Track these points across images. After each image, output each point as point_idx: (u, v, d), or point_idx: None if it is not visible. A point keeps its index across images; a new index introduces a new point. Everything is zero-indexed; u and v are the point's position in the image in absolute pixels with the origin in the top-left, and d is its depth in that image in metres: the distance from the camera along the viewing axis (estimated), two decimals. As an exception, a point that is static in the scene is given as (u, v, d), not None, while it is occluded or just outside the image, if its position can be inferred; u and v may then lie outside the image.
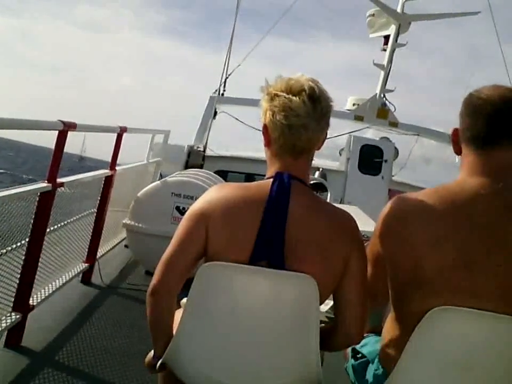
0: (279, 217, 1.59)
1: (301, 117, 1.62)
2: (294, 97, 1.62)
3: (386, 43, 10.69)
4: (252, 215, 1.60)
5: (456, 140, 1.66)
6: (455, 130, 1.66)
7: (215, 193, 1.67)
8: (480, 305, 1.49)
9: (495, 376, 1.57)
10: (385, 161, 9.78)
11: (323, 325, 1.77)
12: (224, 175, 8.16)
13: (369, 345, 1.86)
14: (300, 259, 1.59)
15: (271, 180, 1.66)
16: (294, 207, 1.61)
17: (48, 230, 3.32)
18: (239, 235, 1.60)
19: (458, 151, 1.66)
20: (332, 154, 10.94)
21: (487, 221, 1.51)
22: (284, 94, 1.63)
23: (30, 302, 3.15)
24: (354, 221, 1.72)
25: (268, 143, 1.71)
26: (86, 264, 4.30)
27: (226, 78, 9.76)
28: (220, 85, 9.74)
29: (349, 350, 1.92)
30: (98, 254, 4.56)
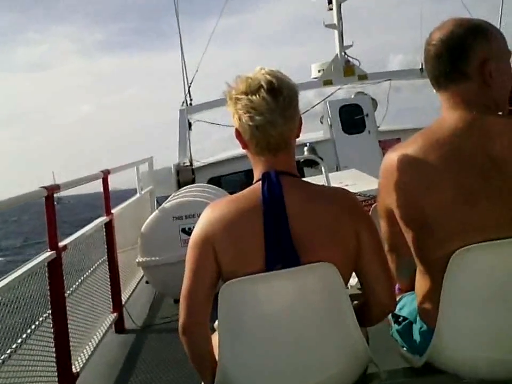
0: (280, 217, 1.58)
1: (264, 115, 1.59)
2: (253, 97, 1.60)
3: (330, 2, 10.62)
4: (253, 223, 1.59)
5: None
6: None
7: (210, 214, 1.65)
8: (495, 233, 1.52)
9: None
10: (367, 115, 9.74)
11: (356, 302, 1.77)
12: (218, 181, 8.15)
13: (407, 305, 1.86)
14: (313, 250, 1.58)
15: (259, 183, 1.64)
16: (291, 201, 1.60)
17: (66, 294, 3.31)
18: (247, 247, 1.59)
19: None
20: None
21: (473, 151, 1.55)
22: (244, 96, 1.62)
23: (74, 370, 3.15)
24: (352, 195, 1.71)
25: (244, 146, 1.70)
26: (115, 314, 4.30)
27: (189, 86, 9.72)
28: (185, 95, 9.70)
29: (389, 316, 1.92)
30: (123, 300, 4.56)
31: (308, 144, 9.20)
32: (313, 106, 10.50)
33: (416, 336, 1.76)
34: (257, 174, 1.69)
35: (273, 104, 1.60)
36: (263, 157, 1.67)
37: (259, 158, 1.68)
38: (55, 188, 3.23)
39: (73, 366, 3.15)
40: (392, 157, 1.66)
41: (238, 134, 1.68)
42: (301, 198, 1.63)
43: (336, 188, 1.73)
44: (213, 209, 1.66)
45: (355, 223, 1.64)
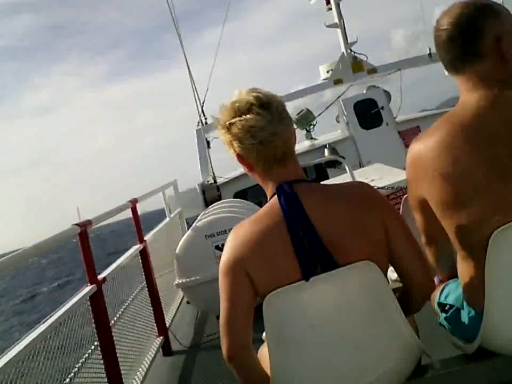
0: (304, 225, 1.58)
1: (265, 128, 1.61)
2: (247, 116, 1.61)
3: (328, 2, 10.61)
4: (280, 239, 1.59)
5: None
6: None
7: (236, 238, 1.65)
8: None
9: None
10: (382, 108, 9.69)
11: (398, 285, 1.77)
12: (243, 194, 8.18)
13: (452, 292, 1.85)
14: (345, 250, 1.58)
15: (275, 197, 1.65)
16: (310, 207, 1.61)
17: (111, 323, 3.35)
18: (280, 264, 1.59)
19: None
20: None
21: (501, 127, 1.56)
22: (237, 119, 1.62)
23: (128, 399, 3.19)
24: (371, 186, 1.73)
25: (250, 169, 1.70)
26: (161, 338, 4.33)
27: (202, 106, 9.81)
28: (200, 115, 9.79)
29: (436, 305, 1.91)
30: (167, 322, 4.60)
31: (327, 145, 9.20)
32: (327, 107, 10.51)
33: (465, 322, 1.75)
34: (270, 190, 1.70)
35: (270, 116, 1.62)
36: (271, 171, 1.67)
37: (267, 174, 1.68)
38: (87, 223, 3.28)
39: (126, 396, 3.19)
40: (418, 147, 1.66)
41: (241, 159, 1.69)
42: (320, 201, 1.64)
43: (351, 183, 1.74)
44: (238, 233, 1.66)
45: (378, 213, 1.64)
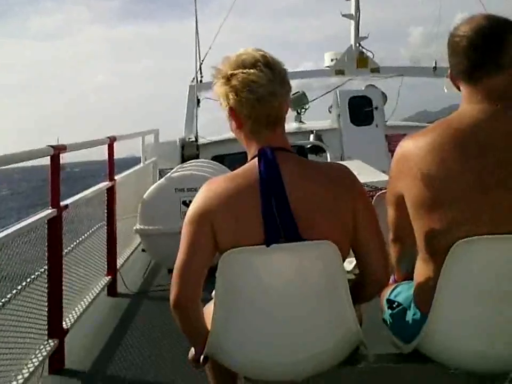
0: (278, 193, 1.58)
1: (266, 86, 1.60)
2: (251, 70, 1.60)
3: (350, -9, 10.50)
4: (251, 200, 1.59)
5: (452, 80, 1.74)
6: (450, 72, 1.73)
7: (208, 191, 1.65)
8: (502, 228, 1.53)
9: None
10: (376, 108, 9.70)
11: (352, 276, 1.79)
12: (221, 159, 8.14)
13: (403, 292, 1.88)
14: (312, 226, 1.59)
15: (256, 159, 1.64)
16: (288, 178, 1.61)
17: (64, 252, 3.34)
18: (246, 224, 1.59)
19: (458, 88, 1.74)
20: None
21: (492, 142, 1.56)
22: (241, 70, 1.61)
23: (64, 325, 3.20)
24: (351, 172, 1.73)
25: (239, 126, 1.69)
26: (109, 277, 4.34)
27: (201, 64, 9.66)
28: (196, 72, 9.64)
29: (384, 302, 1.94)
30: (118, 264, 4.60)
31: (314, 131, 9.20)
32: (323, 95, 10.48)
33: (409, 323, 1.78)
34: (252, 152, 1.69)
35: (272, 76, 1.62)
36: (258, 134, 1.67)
37: (255, 134, 1.68)
38: (62, 148, 3.25)
39: (64, 322, 3.20)
40: (408, 144, 1.67)
41: (233, 113, 1.67)
42: (299, 175, 1.64)
43: (336, 164, 1.75)
44: (211, 187, 1.66)
45: (352, 199, 1.66)
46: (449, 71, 1.74)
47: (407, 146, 1.67)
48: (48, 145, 3.12)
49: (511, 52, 1.60)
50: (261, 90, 1.60)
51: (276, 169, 1.61)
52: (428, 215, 1.61)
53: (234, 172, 1.69)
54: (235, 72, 1.62)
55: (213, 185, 1.66)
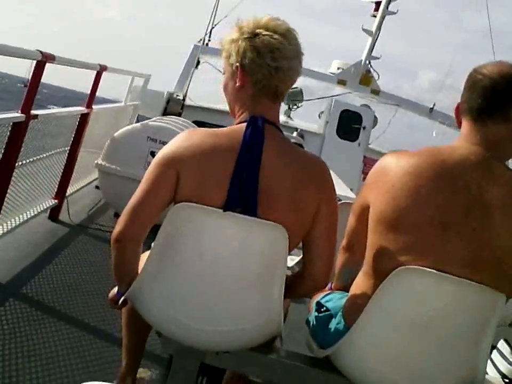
0: (253, 165, 1.56)
1: (288, 59, 1.58)
2: (281, 38, 1.57)
3: (377, 9, 10.56)
4: (225, 162, 1.56)
5: (457, 113, 1.72)
6: (458, 104, 1.71)
7: (185, 138, 1.61)
8: (449, 268, 1.53)
9: (450, 341, 1.61)
10: (364, 128, 9.81)
11: (290, 272, 1.79)
12: (201, 125, 8.08)
13: (334, 300, 1.89)
14: (272, 207, 1.58)
15: (244, 125, 1.62)
16: (268, 153, 1.59)
17: (19, 163, 3.26)
18: (211, 182, 1.57)
19: (458, 124, 1.72)
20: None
21: (471, 186, 1.56)
22: (270, 33, 1.57)
23: (-5, 232, 3.13)
24: (326, 167, 1.71)
25: (242, 85, 1.64)
26: (55, 201, 4.26)
27: (213, 27, 9.55)
28: (205, 34, 9.53)
29: (314, 303, 1.95)
30: (68, 192, 4.52)
31: (298, 129, 9.24)
32: (317, 98, 10.52)
33: (330, 330, 1.79)
34: (242, 116, 1.66)
35: (296, 53, 1.61)
36: (257, 102, 1.64)
37: (253, 99, 1.64)
38: (51, 57, 3.15)
39: (-4, 229, 3.12)
40: (392, 159, 1.66)
41: (241, 71, 1.62)
42: (279, 153, 1.62)
43: (313, 155, 1.73)
44: (190, 135, 1.62)
45: (320, 194, 1.65)
46: (457, 103, 1.72)
47: (389, 161, 1.67)
48: (38, 50, 3.02)
49: None
50: (284, 62, 1.58)
51: (261, 141, 1.59)
52: (384, 233, 1.61)
53: (219, 129, 1.65)
54: (264, 32, 1.58)
55: (192, 135, 1.62)
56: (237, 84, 1.64)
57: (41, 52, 3.02)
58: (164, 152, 1.62)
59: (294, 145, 1.72)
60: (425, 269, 1.54)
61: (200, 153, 1.57)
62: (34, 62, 3.06)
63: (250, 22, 1.61)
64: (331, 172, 1.76)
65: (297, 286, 1.76)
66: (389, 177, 1.61)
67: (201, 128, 1.68)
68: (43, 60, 3.05)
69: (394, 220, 1.59)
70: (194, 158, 1.57)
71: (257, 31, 1.58)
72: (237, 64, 1.62)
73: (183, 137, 1.62)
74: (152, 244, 1.70)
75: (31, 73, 3.10)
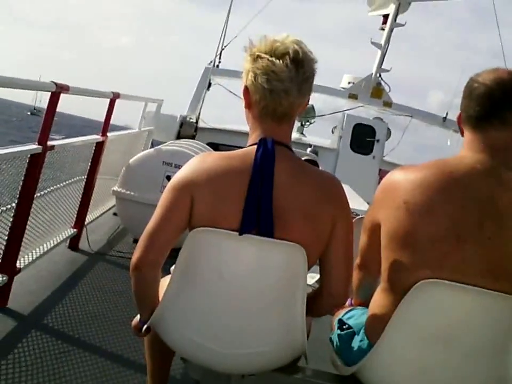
0: (266, 186, 1.57)
1: (283, 82, 1.58)
2: (277, 61, 1.58)
3: (385, 22, 10.61)
4: (238, 184, 1.57)
5: (459, 123, 1.73)
6: (460, 114, 1.72)
7: (198, 163, 1.63)
8: (467, 279, 1.52)
9: (475, 352, 1.59)
10: (377, 141, 9.80)
11: (311, 289, 1.78)
12: (215, 147, 8.14)
13: (356, 317, 1.88)
14: (288, 227, 1.58)
15: (255, 146, 1.63)
16: (280, 173, 1.60)
17: (37, 194, 3.29)
18: (226, 206, 1.58)
19: (462, 133, 1.73)
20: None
21: (481, 195, 1.56)
22: (267, 56, 1.59)
23: (17, 264, 3.14)
24: (340, 184, 1.72)
25: (248, 105, 1.68)
26: (74, 230, 4.28)
27: (222, 49, 9.66)
28: (216, 56, 9.64)
29: (336, 321, 1.94)
30: (87, 221, 4.55)
31: (312, 145, 9.24)
32: (330, 114, 10.54)
33: (354, 348, 1.78)
34: (253, 138, 1.68)
35: (294, 74, 1.59)
36: (264, 122, 1.66)
37: (260, 121, 1.67)
38: (65, 87, 3.19)
39: (18, 261, 3.14)
40: (399, 175, 1.66)
41: (246, 92, 1.66)
42: (291, 174, 1.63)
43: (327, 173, 1.74)
44: (203, 159, 1.64)
45: (335, 211, 1.65)
46: (458, 113, 1.73)
47: (397, 176, 1.66)
48: (52, 81, 3.07)
49: None
50: (276, 84, 1.58)
51: (272, 162, 1.59)
52: (400, 249, 1.60)
53: (231, 152, 1.67)
54: (262, 55, 1.60)
55: (205, 158, 1.64)
56: (243, 104, 1.69)
57: (55, 83, 3.07)
58: (178, 176, 1.64)
59: (306, 164, 1.72)
60: (446, 281, 1.52)
61: (214, 176, 1.59)
62: (49, 93, 3.10)
63: (261, 42, 1.63)
64: (347, 186, 1.76)
65: (317, 304, 1.76)
66: (399, 192, 1.61)
67: (214, 152, 1.71)
68: (57, 91, 3.10)
69: (409, 235, 1.58)
70: (208, 181, 1.59)
71: (259, 54, 1.61)
72: (245, 84, 1.66)
73: (196, 161, 1.64)
74: (171, 269, 1.70)
75: (46, 105, 3.14)
